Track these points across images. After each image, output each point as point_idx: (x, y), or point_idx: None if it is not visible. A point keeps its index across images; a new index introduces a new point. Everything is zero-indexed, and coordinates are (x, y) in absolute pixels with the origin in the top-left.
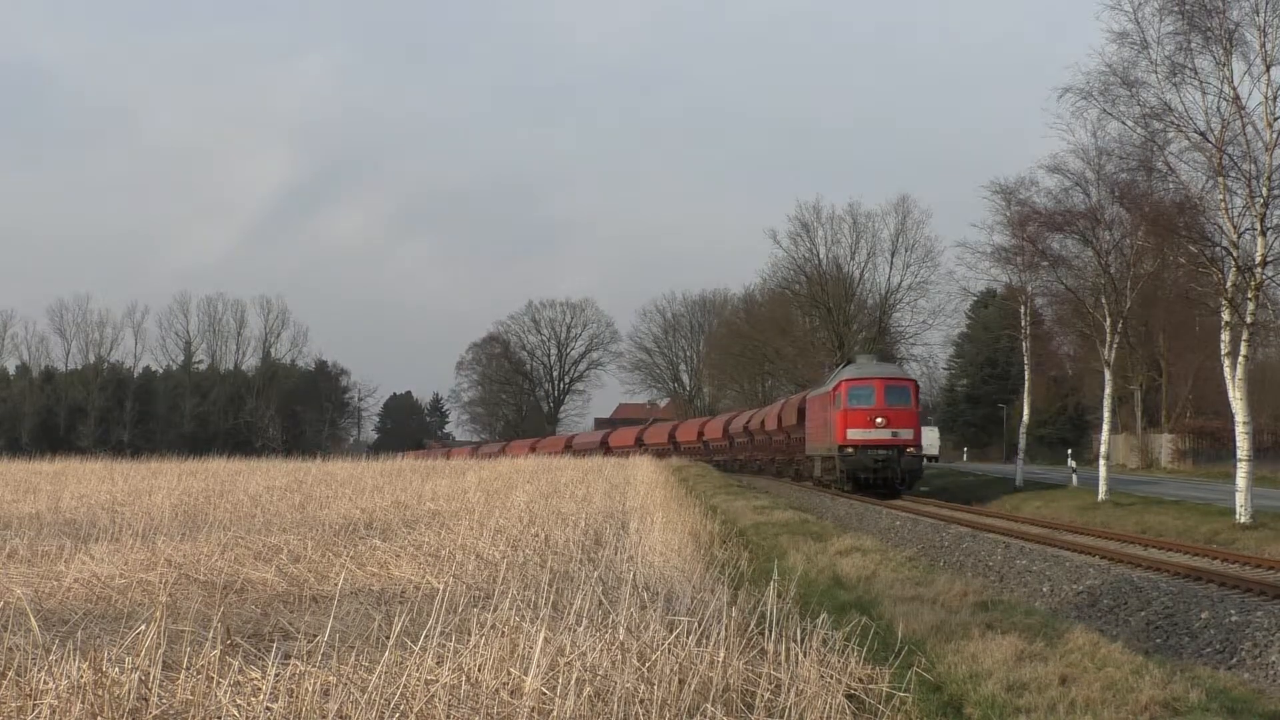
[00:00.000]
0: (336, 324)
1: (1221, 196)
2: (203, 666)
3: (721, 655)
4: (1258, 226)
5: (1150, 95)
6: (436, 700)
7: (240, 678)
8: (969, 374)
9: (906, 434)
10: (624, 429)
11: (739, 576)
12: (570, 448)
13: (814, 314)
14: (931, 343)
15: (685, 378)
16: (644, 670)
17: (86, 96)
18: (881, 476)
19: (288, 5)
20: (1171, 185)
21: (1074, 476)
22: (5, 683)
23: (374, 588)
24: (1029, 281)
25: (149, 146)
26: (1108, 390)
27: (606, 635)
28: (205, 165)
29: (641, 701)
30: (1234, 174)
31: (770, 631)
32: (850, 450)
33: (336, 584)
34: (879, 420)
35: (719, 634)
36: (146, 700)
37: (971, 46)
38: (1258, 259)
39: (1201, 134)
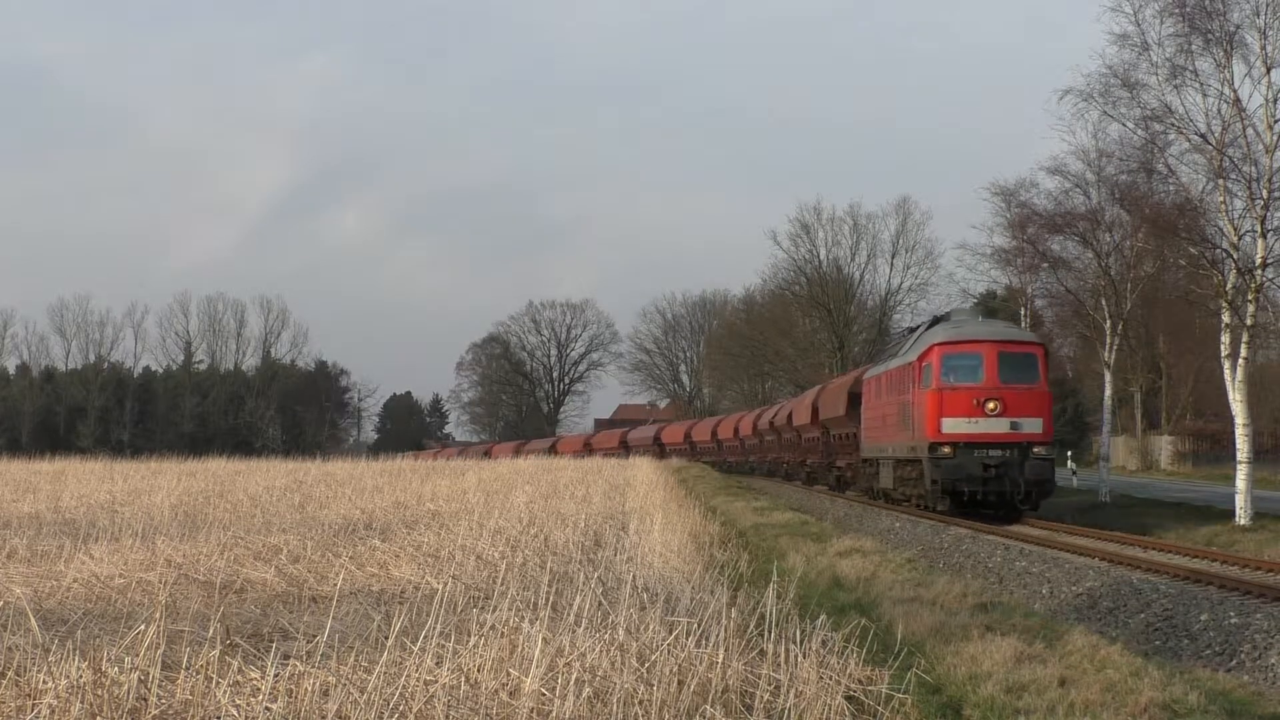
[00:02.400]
0: (336, 324)
1: (1222, 199)
2: (202, 666)
3: (721, 656)
4: (1258, 229)
5: (1151, 97)
6: (436, 701)
7: (240, 678)
8: None
9: (1033, 425)
10: (673, 425)
11: (738, 578)
12: (625, 444)
13: (814, 315)
14: None
15: (685, 378)
16: (643, 671)
17: (86, 96)
18: (995, 490)
19: (288, 5)
20: (1172, 187)
21: (1074, 479)
22: (5, 682)
23: (373, 588)
24: (1029, 283)
25: (149, 146)
26: (1108, 392)
27: (606, 636)
28: (206, 165)
29: (641, 702)
30: (1234, 176)
31: (770, 633)
32: (947, 450)
33: (336, 584)
34: (991, 405)
35: (718, 635)
36: (146, 700)
37: (972, 47)
38: (1258, 261)
39: (1202, 136)
